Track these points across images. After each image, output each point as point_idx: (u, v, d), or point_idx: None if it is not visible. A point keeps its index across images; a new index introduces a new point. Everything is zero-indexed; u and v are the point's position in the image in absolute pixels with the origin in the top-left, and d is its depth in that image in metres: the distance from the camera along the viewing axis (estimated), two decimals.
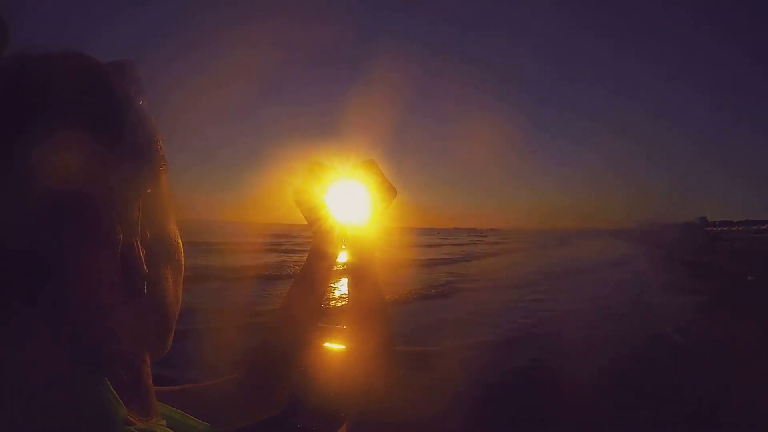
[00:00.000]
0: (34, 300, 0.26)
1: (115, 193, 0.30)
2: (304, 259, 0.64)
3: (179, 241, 0.37)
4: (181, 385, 0.52)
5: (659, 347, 4.71)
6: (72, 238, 0.27)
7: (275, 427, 0.56)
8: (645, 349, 4.60)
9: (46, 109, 0.28)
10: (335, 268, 0.65)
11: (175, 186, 0.37)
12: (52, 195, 0.27)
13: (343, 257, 0.65)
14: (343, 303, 5.36)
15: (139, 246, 0.31)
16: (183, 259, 0.37)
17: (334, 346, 3.98)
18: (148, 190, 0.32)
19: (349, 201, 0.63)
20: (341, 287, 6.80)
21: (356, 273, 0.61)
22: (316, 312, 0.63)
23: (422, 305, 7.06)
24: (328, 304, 6.31)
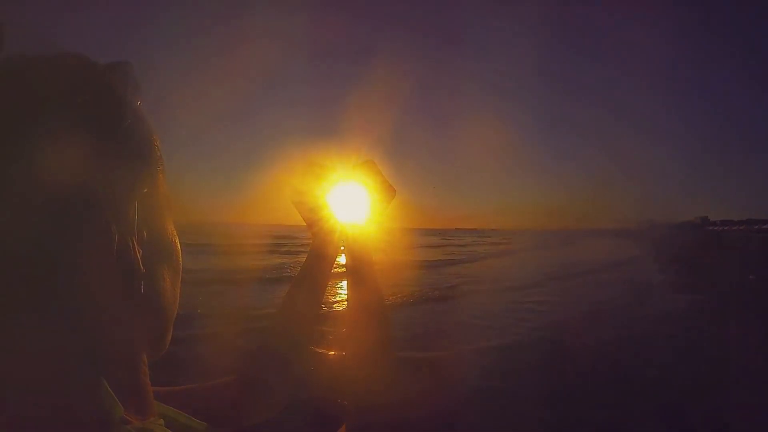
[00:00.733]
0: (35, 299, 0.26)
1: (111, 193, 0.30)
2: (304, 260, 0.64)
3: (177, 241, 0.37)
4: (181, 386, 0.52)
5: (661, 347, 4.70)
6: (68, 237, 0.27)
7: (274, 429, 0.55)
8: (648, 350, 4.59)
9: (44, 110, 0.28)
10: (335, 269, 0.65)
11: (175, 187, 0.38)
12: (50, 194, 0.27)
13: (342, 258, 0.65)
14: (343, 304, 5.35)
15: (136, 246, 0.31)
16: (180, 259, 0.37)
17: (333, 348, 3.97)
18: (145, 190, 0.32)
19: (348, 201, 0.63)
20: (341, 289, 6.78)
21: (356, 274, 0.61)
22: (315, 313, 0.62)
23: (428, 308, 7.02)
24: (327, 306, 6.29)
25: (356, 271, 0.61)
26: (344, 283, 0.70)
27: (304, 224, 0.63)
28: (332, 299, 6.65)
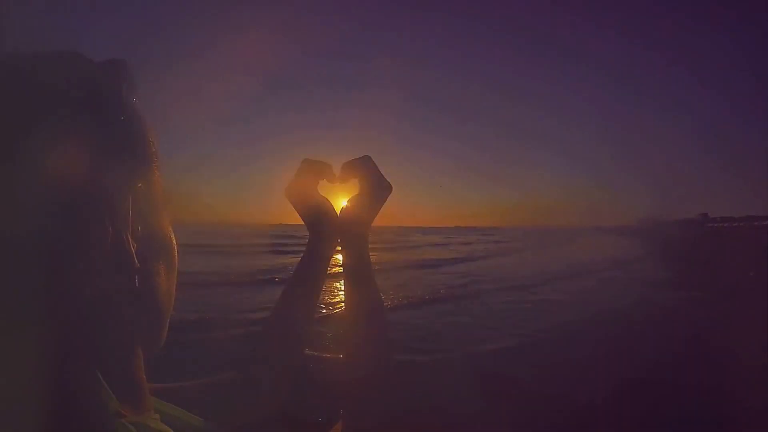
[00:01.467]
0: (29, 292, 0.26)
1: (105, 188, 0.30)
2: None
3: (172, 237, 0.37)
4: (176, 383, 0.52)
5: (662, 348, 4.69)
6: (62, 230, 0.28)
7: (270, 427, 0.55)
8: (648, 350, 4.58)
9: (39, 107, 0.28)
10: (332, 268, 0.64)
11: (174, 188, 0.38)
12: (45, 189, 0.27)
13: (339, 257, 0.64)
14: (341, 305, 5.30)
15: (130, 240, 0.31)
16: (176, 255, 0.37)
17: (330, 349, 3.95)
18: (140, 185, 0.33)
19: (344, 198, 0.62)
20: (338, 289, 6.77)
21: (353, 273, 0.60)
22: (311, 312, 0.62)
23: (430, 310, 6.98)
24: (324, 306, 6.27)
25: (354, 271, 0.60)
26: (342, 283, 0.70)
27: (301, 222, 0.63)
28: (329, 300, 6.64)
